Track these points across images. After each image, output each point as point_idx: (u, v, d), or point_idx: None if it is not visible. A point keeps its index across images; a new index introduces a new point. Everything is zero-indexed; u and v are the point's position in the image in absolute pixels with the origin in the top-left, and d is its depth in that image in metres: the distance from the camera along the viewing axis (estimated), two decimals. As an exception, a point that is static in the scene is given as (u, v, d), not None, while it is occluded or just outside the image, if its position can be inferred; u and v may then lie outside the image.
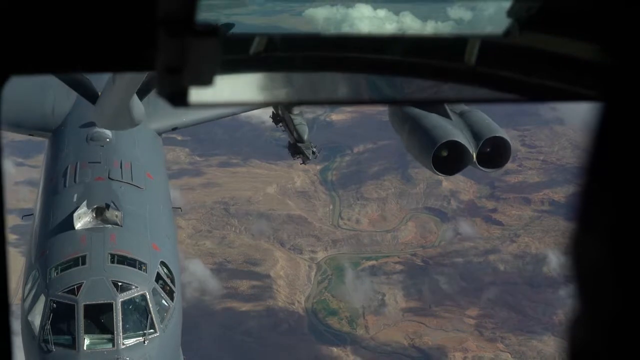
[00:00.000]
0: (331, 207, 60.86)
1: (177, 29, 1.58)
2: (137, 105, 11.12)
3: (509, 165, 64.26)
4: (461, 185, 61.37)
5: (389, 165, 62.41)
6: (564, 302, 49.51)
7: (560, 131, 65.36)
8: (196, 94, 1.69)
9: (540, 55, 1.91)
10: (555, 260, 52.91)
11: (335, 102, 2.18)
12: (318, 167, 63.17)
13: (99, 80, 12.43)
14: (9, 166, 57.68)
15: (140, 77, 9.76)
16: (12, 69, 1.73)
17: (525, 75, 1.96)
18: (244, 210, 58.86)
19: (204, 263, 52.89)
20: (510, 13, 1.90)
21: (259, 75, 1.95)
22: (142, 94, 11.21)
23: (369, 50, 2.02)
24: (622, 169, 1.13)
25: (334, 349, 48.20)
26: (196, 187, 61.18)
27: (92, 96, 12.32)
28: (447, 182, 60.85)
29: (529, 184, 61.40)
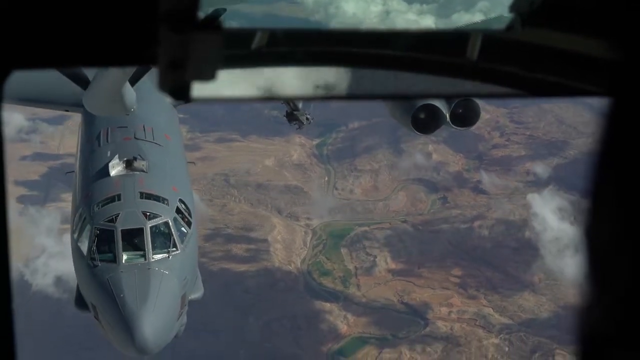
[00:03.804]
0: (326, 178, 62.34)
1: (179, 24, 1.58)
2: (129, 92, 12.71)
3: (497, 139, 66.06)
4: (450, 158, 63.04)
5: (382, 140, 63.87)
6: (544, 262, 51.52)
7: (547, 108, 66.57)
8: (198, 89, 1.69)
9: (542, 51, 1.89)
10: (537, 226, 54.77)
11: (337, 97, 2.06)
12: (314, 142, 64.90)
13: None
14: (20, 120, 59.33)
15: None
16: (15, 64, 1.70)
17: (527, 70, 1.93)
18: (243, 181, 60.60)
19: (204, 228, 54.73)
20: (513, 8, 1.88)
21: (261, 70, 1.94)
22: (134, 80, 12.83)
23: (371, 45, 1.99)
24: (630, 159, 1.14)
25: (328, 305, 50.34)
26: (196, 160, 62.52)
27: (82, 81, 13.92)
28: (437, 155, 62.54)
29: (514, 157, 62.99)
